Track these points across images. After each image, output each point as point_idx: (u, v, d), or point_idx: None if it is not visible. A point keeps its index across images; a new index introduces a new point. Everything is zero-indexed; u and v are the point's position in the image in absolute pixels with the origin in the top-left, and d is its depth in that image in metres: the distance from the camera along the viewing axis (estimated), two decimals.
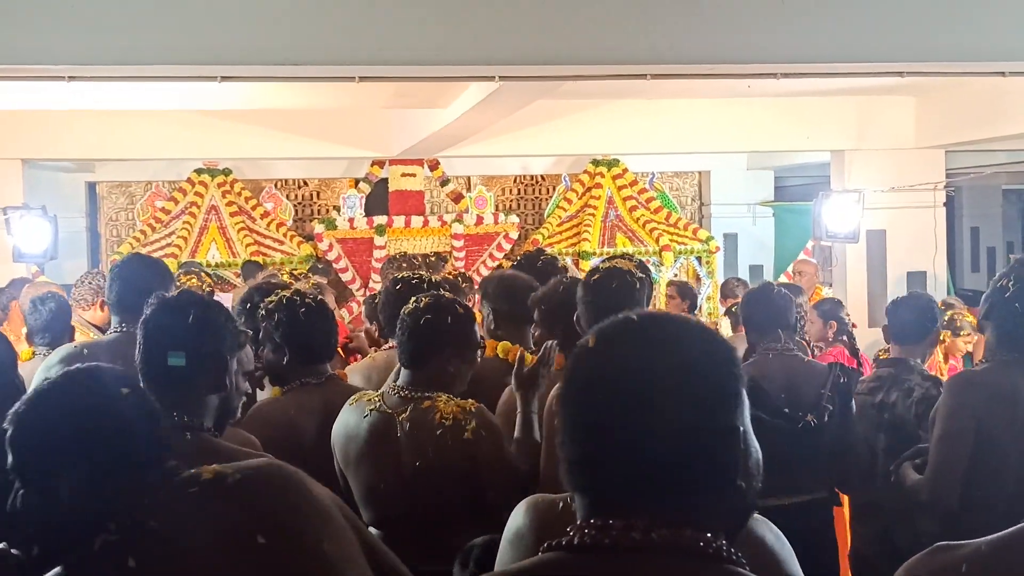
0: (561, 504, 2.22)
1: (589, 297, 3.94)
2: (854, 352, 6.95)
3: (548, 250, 12.75)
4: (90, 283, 6.18)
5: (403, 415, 3.59)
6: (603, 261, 5.25)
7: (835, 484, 4.84)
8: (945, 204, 11.37)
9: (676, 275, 12.27)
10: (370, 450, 3.64)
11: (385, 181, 13.18)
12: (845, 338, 7.16)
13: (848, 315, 7.57)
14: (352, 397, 3.82)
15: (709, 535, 1.42)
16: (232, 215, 12.78)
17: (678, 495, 1.43)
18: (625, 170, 13.54)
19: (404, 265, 8.88)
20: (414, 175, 13.05)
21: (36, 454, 1.90)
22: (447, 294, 3.99)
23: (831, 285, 11.49)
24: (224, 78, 6.26)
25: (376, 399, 3.71)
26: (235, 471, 1.90)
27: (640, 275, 4.08)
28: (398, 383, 3.69)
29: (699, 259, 13.21)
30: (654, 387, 1.42)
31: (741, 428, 1.46)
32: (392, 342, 4.78)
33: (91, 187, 13.92)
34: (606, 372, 1.46)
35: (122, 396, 1.90)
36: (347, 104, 10.77)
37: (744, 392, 1.50)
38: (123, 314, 4.41)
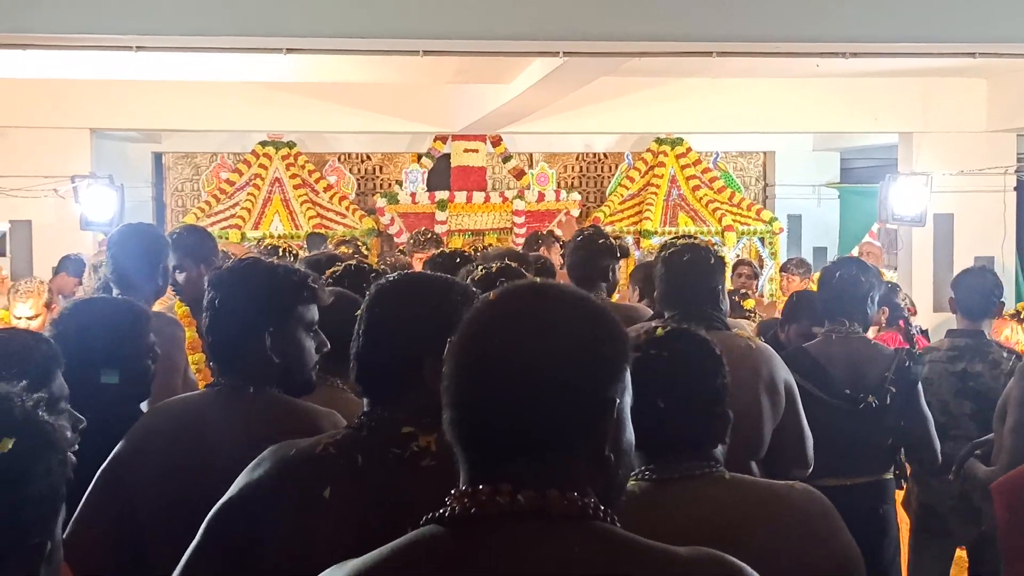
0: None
1: (663, 271, 4.05)
2: (908, 337, 6.86)
3: (608, 228, 12.79)
4: None
5: None
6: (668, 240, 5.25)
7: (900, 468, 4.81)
8: (1016, 189, 11.17)
9: (738, 256, 12.18)
10: None
11: (447, 156, 13.20)
12: (900, 323, 7.06)
13: (906, 299, 7.46)
14: None
15: (576, 494, 1.44)
16: (295, 188, 12.87)
17: (546, 461, 1.44)
18: (689, 149, 13.44)
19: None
20: (476, 151, 13.06)
21: None
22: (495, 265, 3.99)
23: (896, 269, 11.35)
24: (289, 50, 6.30)
25: None
26: None
27: (716, 252, 4.17)
28: None
29: (762, 240, 13.10)
30: (533, 349, 1.44)
31: (616, 401, 1.47)
32: None
33: (157, 157, 14.08)
34: (492, 328, 1.49)
35: None
36: (411, 79, 10.79)
37: (627, 369, 1.52)
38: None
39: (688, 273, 4.03)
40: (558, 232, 10.78)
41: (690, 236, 5.59)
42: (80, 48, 6.80)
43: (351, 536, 1.91)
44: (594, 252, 5.23)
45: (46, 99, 10.84)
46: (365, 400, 2.20)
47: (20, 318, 6.06)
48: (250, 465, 2.17)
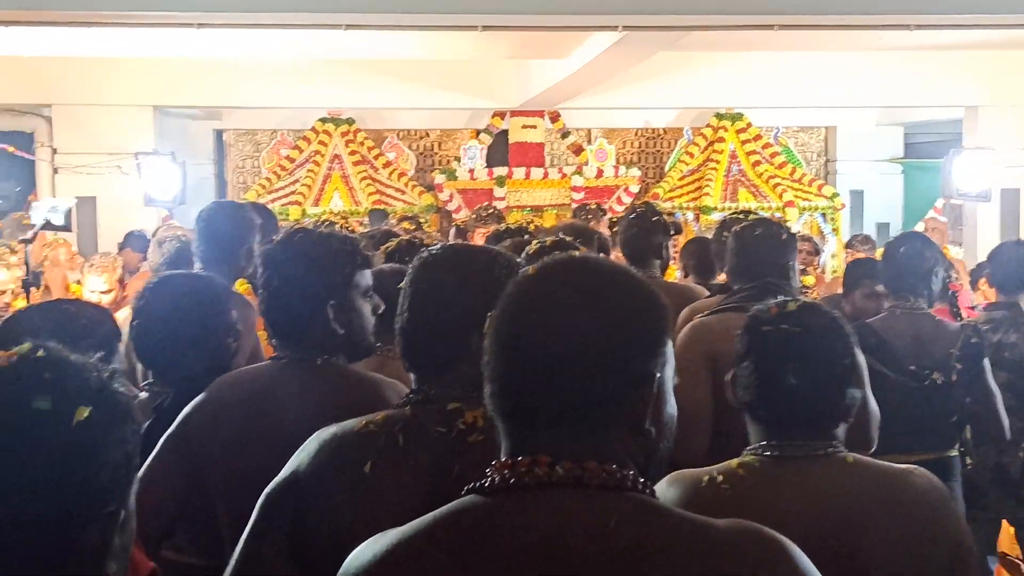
0: (706, 479, 2.23)
1: (734, 245, 4.05)
2: (956, 313, 6.76)
3: (667, 204, 12.73)
4: None
5: None
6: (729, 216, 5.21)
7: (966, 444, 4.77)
8: None
9: (799, 232, 12.06)
10: None
11: (506, 132, 13.19)
12: (949, 298, 6.96)
13: (956, 275, 7.34)
14: None
15: (615, 466, 1.44)
16: (355, 164, 12.92)
17: (585, 433, 1.45)
18: (749, 124, 13.32)
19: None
20: (535, 127, 13.04)
21: None
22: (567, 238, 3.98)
23: (961, 245, 11.18)
24: (349, 26, 6.32)
25: None
26: None
27: (788, 228, 4.17)
28: None
29: (824, 216, 12.96)
30: (572, 322, 1.44)
31: (657, 375, 1.47)
32: None
33: (219, 134, 14.20)
34: (532, 300, 1.48)
35: None
36: (469, 54, 10.79)
37: (668, 343, 1.51)
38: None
39: (759, 248, 4.02)
40: (605, 205, 10.74)
41: (750, 211, 5.54)
42: (143, 25, 6.87)
43: (392, 513, 1.90)
44: (647, 229, 5.21)
45: (110, 77, 11.00)
46: (412, 376, 2.18)
47: (93, 292, 6.13)
48: (300, 448, 2.17)
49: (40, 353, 1.41)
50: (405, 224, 7.33)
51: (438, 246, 2.31)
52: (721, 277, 5.36)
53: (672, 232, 5.33)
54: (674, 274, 6.43)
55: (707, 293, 4.99)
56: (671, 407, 1.53)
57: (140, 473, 2.65)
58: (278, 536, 2.08)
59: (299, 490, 2.08)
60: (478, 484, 1.48)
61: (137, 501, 2.65)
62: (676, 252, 6.43)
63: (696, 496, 2.19)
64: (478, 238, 7.23)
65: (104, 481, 1.38)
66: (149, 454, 2.86)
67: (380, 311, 2.84)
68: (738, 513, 1.57)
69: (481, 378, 1.93)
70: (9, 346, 2.25)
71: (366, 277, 2.81)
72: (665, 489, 2.23)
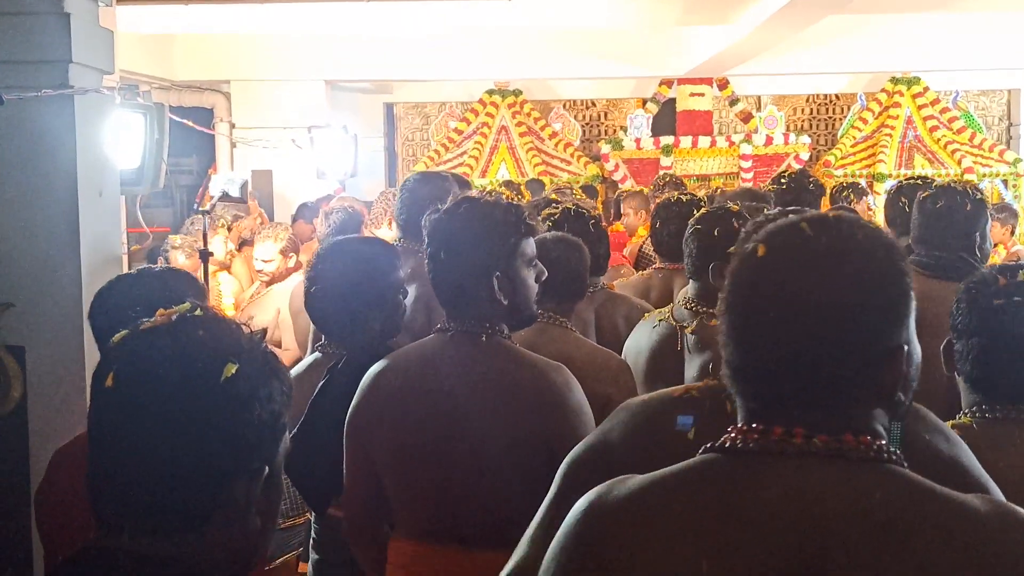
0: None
1: (917, 216, 3.92)
2: None
3: (839, 172, 12.43)
4: (382, 202, 6.41)
5: (689, 328, 3.57)
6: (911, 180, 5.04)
7: None
8: None
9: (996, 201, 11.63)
10: (652, 361, 3.64)
11: (673, 101, 13.06)
12: None
13: None
14: (648, 313, 3.85)
15: (869, 438, 1.42)
16: (521, 135, 13.00)
17: (837, 407, 1.43)
18: (926, 88, 12.89)
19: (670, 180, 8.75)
20: (703, 95, 12.87)
21: None
22: (734, 206, 3.92)
23: None
24: None
25: (667, 312, 3.71)
26: None
27: (976, 196, 3.94)
28: (688, 296, 3.68)
29: (1005, 182, 12.47)
30: (822, 304, 1.41)
31: (906, 347, 1.45)
32: (660, 263, 4.76)
33: (389, 108, 14.45)
34: (774, 284, 1.44)
35: None
36: (636, 22, 10.71)
37: (912, 310, 1.47)
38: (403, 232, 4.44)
39: (940, 219, 3.87)
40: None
41: (923, 177, 5.35)
42: (316, 1, 7.03)
43: None
44: (802, 192, 5.09)
45: (285, 54, 11.31)
46: None
47: (257, 259, 6.33)
48: (607, 418, 2.11)
49: (198, 312, 1.47)
50: (554, 196, 7.34)
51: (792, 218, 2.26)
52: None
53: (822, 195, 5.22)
54: None
55: None
56: (917, 357, 1.51)
57: (345, 477, 2.74)
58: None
59: (611, 455, 2.02)
60: (719, 444, 1.48)
61: (347, 504, 2.75)
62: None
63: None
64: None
65: (250, 437, 1.42)
66: (321, 411, 2.96)
67: (543, 279, 2.86)
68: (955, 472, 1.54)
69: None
70: (108, 311, 2.37)
71: (531, 245, 2.81)
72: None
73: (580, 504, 1.53)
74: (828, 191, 7.31)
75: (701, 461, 1.48)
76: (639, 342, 3.73)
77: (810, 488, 1.39)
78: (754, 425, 1.46)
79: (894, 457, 1.43)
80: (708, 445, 1.49)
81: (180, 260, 6.50)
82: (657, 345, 3.63)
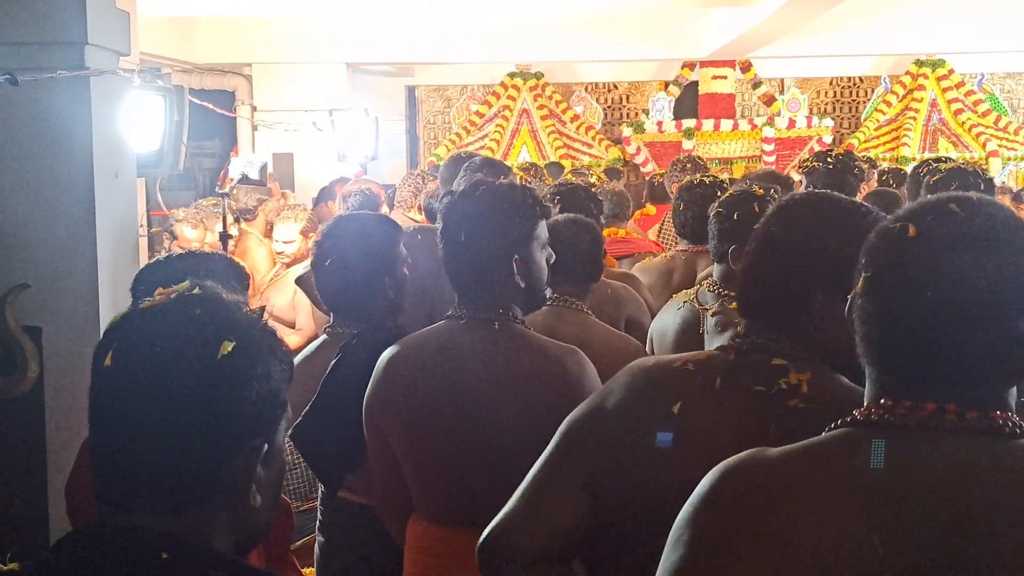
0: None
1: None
2: None
3: (862, 156, 12.33)
4: (410, 184, 6.39)
5: (711, 311, 3.58)
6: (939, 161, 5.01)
7: None
8: None
9: (1003, 182, 11.54)
10: (676, 343, 3.64)
11: (695, 84, 13.01)
12: None
13: None
14: (676, 294, 3.85)
15: (1011, 414, 1.45)
16: (543, 118, 12.98)
17: (984, 384, 1.45)
18: (951, 71, 12.80)
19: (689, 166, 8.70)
20: (725, 77, 12.82)
21: None
22: (758, 190, 3.90)
23: None
24: None
25: (692, 294, 3.72)
26: None
27: (985, 176, 3.98)
28: (712, 278, 3.68)
29: None
30: (978, 284, 1.42)
31: None
32: (682, 245, 4.75)
33: (410, 91, 14.45)
34: (929, 263, 1.45)
35: None
36: (658, 3, 10.66)
37: None
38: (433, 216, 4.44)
39: None
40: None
41: (946, 158, 5.30)
42: None
43: (692, 460, 1.83)
44: (843, 173, 5.04)
45: (307, 36, 11.32)
46: (744, 321, 2.07)
47: (277, 240, 6.33)
48: (612, 378, 2.09)
49: (196, 291, 1.48)
50: (569, 176, 7.33)
51: (804, 193, 2.18)
52: None
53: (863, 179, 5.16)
54: None
55: None
56: None
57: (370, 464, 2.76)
58: (577, 464, 2.01)
59: (604, 420, 2.02)
60: (860, 418, 1.50)
61: (378, 491, 2.76)
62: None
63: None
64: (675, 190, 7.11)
65: (248, 414, 1.43)
66: (334, 389, 2.97)
67: (551, 262, 2.85)
68: None
69: (819, 340, 1.92)
70: (148, 289, 2.37)
71: (544, 228, 2.81)
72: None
73: (721, 471, 1.53)
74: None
75: (846, 435, 1.50)
76: (664, 324, 3.75)
77: (972, 464, 1.41)
78: (902, 402, 1.47)
79: None
80: (848, 419, 1.51)
81: (187, 232, 6.51)
82: (681, 327, 3.65)
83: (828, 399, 1.85)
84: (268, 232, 7.91)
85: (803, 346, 1.96)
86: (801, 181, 5.19)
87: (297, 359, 3.23)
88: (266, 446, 1.47)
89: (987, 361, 1.44)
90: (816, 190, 2.40)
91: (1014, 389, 1.48)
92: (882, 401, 1.49)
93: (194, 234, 6.48)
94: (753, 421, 1.88)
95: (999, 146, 12.23)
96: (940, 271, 1.44)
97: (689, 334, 3.62)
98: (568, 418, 2.08)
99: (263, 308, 1.52)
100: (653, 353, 3.58)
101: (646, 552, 1.85)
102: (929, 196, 1.56)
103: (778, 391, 1.91)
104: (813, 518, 1.41)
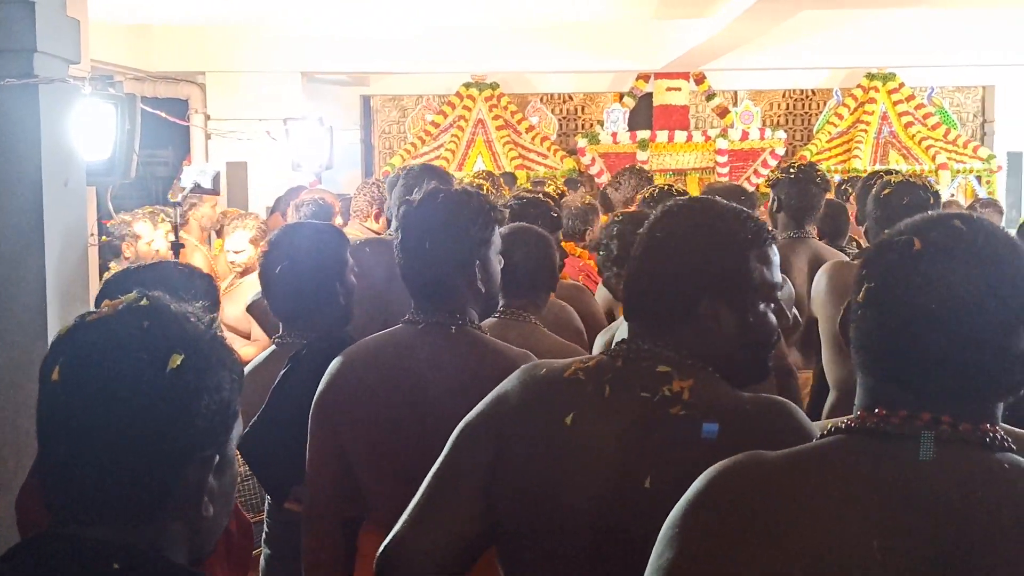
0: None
1: (878, 213, 3.95)
2: None
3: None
4: (367, 194, 6.37)
5: None
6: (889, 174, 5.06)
7: None
8: None
9: (952, 195, 11.69)
10: None
11: (650, 96, 13.08)
12: None
13: None
14: None
15: (999, 428, 1.49)
16: (498, 129, 12.99)
17: (977, 398, 1.49)
18: (901, 85, 12.95)
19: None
20: (679, 89, 12.89)
21: None
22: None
23: None
24: None
25: None
26: None
27: (932, 190, 4.04)
28: None
29: (978, 179, 12.54)
30: (980, 299, 1.46)
31: None
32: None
33: (365, 100, 14.42)
34: (933, 276, 1.49)
35: None
36: (613, 15, 10.70)
37: None
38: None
39: (909, 213, 3.89)
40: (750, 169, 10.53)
41: (895, 171, 5.36)
42: None
43: (583, 471, 1.89)
44: (812, 186, 5.09)
45: (261, 44, 11.28)
46: (629, 325, 2.07)
47: (229, 251, 6.29)
48: (507, 379, 2.09)
49: (144, 302, 1.46)
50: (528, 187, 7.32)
51: (685, 198, 2.18)
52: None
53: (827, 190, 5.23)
54: None
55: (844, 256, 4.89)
56: None
57: (307, 463, 2.74)
58: (473, 472, 2.01)
59: (501, 424, 2.02)
60: (855, 425, 1.52)
61: (311, 490, 2.74)
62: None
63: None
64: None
65: (199, 426, 1.43)
66: (283, 400, 2.95)
67: (501, 266, 2.86)
68: None
69: (702, 347, 1.93)
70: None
71: (498, 235, 2.83)
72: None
73: (717, 472, 1.54)
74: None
75: (841, 441, 1.52)
76: (621, 335, 3.69)
77: (968, 474, 1.44)
78: (898, 412, 1.50)
79: (1014, 448, 1.49)
80: (840, 425, 1.54)
81: (140, 230, 6.45)
82: None
83: (707, 406, 1.87)
84: (203, 238, 7.86)
85: (686, 352, 1.96)
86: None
87: (245, 369, 3.21)
88: (218, 457, 1.47)
89: (983, 376, 1.48)
90: (700, 196, 2.43)
91: (1002, 404, 1.52)
92: (876, 410, 1.52)
93: (147, 228, 6.43)
94: (637, 429, 1.89)
95: (948, 159, 12.38)
96: (943, 285, 1.47)
97: None
98: (461, 424, 2.08)
99: (213, 318, 1.51)
100: None
101: (548, 562, 1.91)
102: (931, 213, 1.61)
103: (661, 398, 1.91)
104: (812, 523, 1.43)
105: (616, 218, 4.16)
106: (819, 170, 5.27)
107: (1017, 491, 1.43)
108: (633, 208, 7.11)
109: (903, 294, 1.50)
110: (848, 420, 1.54)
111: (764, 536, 1.44)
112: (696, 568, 1.47)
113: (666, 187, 5.14)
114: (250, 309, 4.54)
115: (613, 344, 2.12)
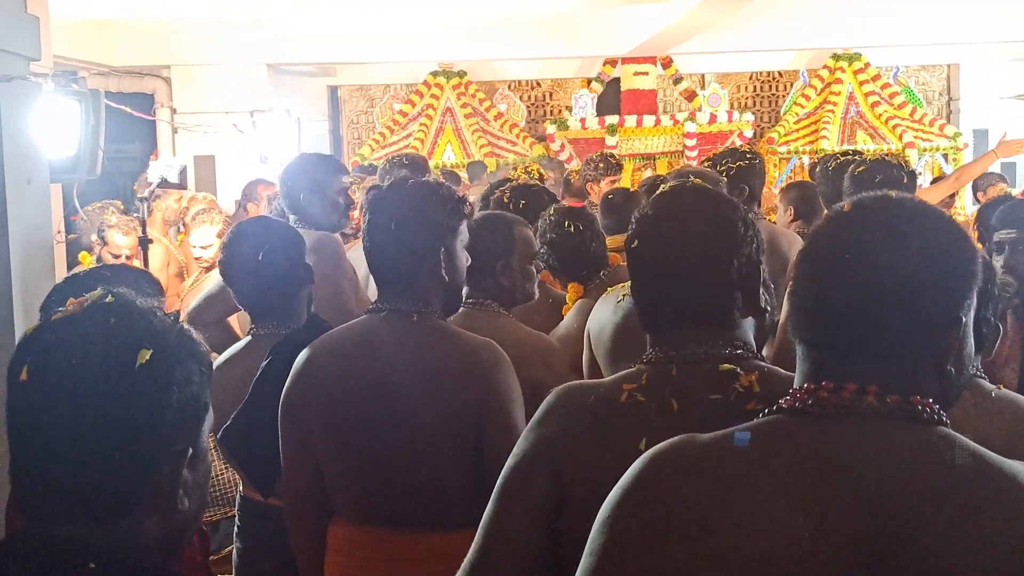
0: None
1: (852, 190, 4.02)
2: None
3: (782, 149, 12.50)
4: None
5: None
6: (846, 155, 5.09)
7: None
8: None
9: (920, 173, 11.75)
10: (615, 339, 3.51)
11: (617, 81, 13.08)
12: None
13: None
14: (609, 288, 3.76)
15: (931, 400, 1.49)
16: (467, 117, 12.97)
17: (904, 367, 1.49)
18: (867, 64, 12.99)
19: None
20: (646, 73, 12.89)
21: None
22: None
23: None
24: None
25: (629, 288, 3.66)
26: None
27: (907, 169, 4.14)
28: None
29: (945, 156, 12.61)
30: (898, 270, 1.47)
31: (964, 320, 1.50)
32: None
33: (333, 91, 14.37)
34: (855, 242, 1.51)
35: None
36: (579, 1, 10.69)
37: (976, 288, 1.53)
38: None
39: (876, 189, 3.94)
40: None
41: (856, 152, 5.40)
42: None
43: None
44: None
45: (226, 37, 11.20)
46: (649, 337, 2.01)
47: (195, 246, 6.25)
48: (535, 417, 1.99)
49: (109, 299, 1.47)
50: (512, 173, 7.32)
51: (673, 184, 2.14)
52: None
53: None
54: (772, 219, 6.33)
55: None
56: (970, 348, 1.56)
57: (282, 462, 2.74)
58: (533, 508, 1.90)
59: (555, 456, 1.92)
60: (786, 405, 1.53)
61: (287, 493, 2.73)
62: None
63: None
64: (605, 187, 7.08)
65: (171, 421, 1.43)
66: (265, 391, 2.94)
67: (468, 262, 2.86)
68: None
69: (749, 336, 1.96)
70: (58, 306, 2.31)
71: (466, 229, 2.84)
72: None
73: (649, 458, 1.55)
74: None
75: (773, 422, 1.53)
76: (602, 318, 3.58)
77: (895, 448, 1.44)
78: (823, 383, 1.51)
79: (945, 421, 1.50)
80: (775, 407, 1.54)
81: (118, 239, 6.39)
82: (622, 322, 3.49)
83: (778, 396, 1.75)
84: (166, 231, 7.81)
85: (744, 346, 1.95)
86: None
87: (218, 361, 3.20)
88: (191, 450, 1.48)
89: (907, 344, 1.49)
90: (690, 183, 2.36)
91: (935, 379, 1.52)
92: (806, 386, 1.53)
93: (125, 241, 6.37)
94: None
95: (915, 137, 12.44)
96: (868, 248, 1.49)
97: (631, 329, 3.53)
98: (509, 464, 1.97)
99: (178, 312, 1.52)
100: (590, 350, 3.51)
101: None
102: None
103: (737, 395, 1.88)
104: (741, 503, 1.44)
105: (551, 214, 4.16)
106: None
107: (945, 463, 1.43)
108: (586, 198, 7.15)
109: (830, 254, 1.53)
110: (782, 401, 1.54)
111: (695, 519, 1.44)
112: (624, 554, 1.48)
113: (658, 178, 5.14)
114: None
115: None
